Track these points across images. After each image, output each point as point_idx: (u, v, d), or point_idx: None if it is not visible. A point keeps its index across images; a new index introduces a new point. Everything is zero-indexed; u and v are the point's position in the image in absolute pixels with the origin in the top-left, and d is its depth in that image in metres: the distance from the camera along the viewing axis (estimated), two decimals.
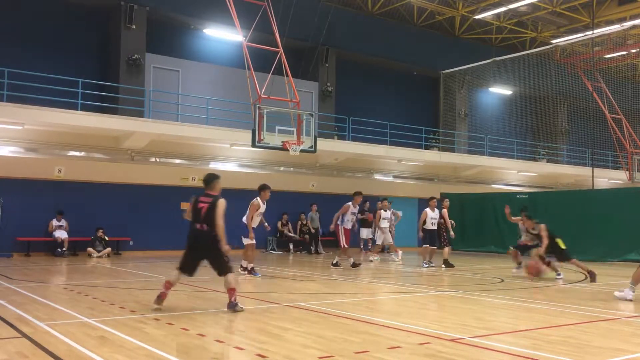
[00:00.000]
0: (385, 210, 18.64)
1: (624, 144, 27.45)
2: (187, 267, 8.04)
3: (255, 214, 12.76)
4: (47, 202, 18.42)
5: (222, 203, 7.97)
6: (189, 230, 8.06)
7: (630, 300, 9.39)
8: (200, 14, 21.99)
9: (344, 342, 6.13)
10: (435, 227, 16.03)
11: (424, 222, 15.91)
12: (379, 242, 18.72)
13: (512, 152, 28.33)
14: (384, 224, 18.46)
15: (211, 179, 8.26)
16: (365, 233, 20.65)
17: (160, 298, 7.94)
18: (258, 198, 12.83)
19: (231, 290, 7.86)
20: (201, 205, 8.00)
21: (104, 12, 21.30)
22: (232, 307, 7.86)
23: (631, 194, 18.99)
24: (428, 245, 16.02)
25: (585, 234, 18.34)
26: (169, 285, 8.00)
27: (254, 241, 12.86)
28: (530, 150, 31.19)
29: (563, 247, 12.91)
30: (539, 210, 18.14)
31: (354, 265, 15.09)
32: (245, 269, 12.99)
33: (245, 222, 12.75)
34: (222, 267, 7.97)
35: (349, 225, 15.50)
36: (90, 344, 5.84)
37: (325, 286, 11.64)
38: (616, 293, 9.73)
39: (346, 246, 15.49)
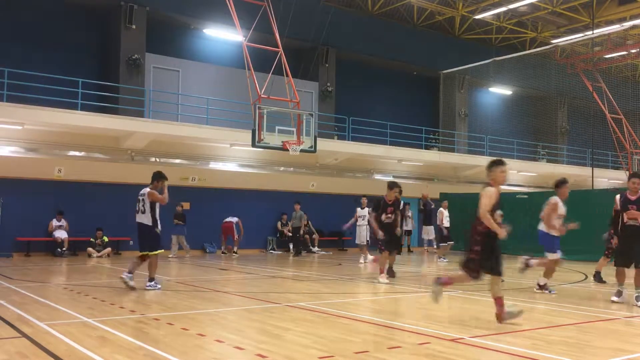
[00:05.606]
0: (363, 208, 17.49)
1: (624, 144, 27.44)
2: None
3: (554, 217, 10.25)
4: (47, 202, 18.43)
5: None
6: None
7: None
8: (200, 14, 21.98)
9: (344, 342, 6.13)
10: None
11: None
12: (357, 242, 17.93)
13: (512, 152, 28.32)
14: (360, 222, 17.65)
15: None
16: (428, 232, 20.68)
17: None
18: (556, 197, 10.35)
19: None
20: None
21: (104, 12, 21.30)
22: None
23: None
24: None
25: (585, 234, 18.28)
26: None
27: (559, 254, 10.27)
28: (530, 150, 31.18)
29: None
30: (539, 210, 18.10)
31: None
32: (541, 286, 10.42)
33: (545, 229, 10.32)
34: None
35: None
36: (90, 344, 5.85)
37: (325, 286, 11.64)
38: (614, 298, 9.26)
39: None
